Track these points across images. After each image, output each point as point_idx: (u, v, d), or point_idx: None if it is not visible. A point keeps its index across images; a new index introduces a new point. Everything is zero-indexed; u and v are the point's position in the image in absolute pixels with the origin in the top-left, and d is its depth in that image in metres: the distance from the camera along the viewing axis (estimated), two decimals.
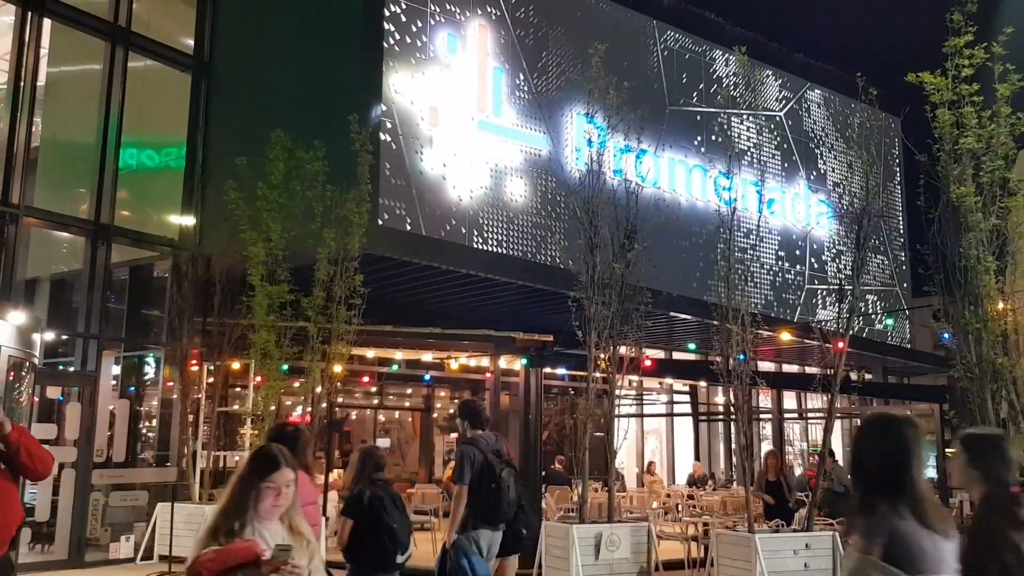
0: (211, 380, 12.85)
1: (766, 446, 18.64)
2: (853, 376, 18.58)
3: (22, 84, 12.04)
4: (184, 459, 12.58)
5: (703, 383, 17.01)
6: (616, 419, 10.06)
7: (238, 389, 14.65)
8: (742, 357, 9.60)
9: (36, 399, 11.02)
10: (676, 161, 17.47)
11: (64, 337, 13.23)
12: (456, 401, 19.97)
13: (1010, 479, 3.37)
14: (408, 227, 13.14)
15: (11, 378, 9.48)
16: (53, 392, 12.44)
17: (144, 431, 14.62)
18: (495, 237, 14.33)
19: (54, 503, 11.34)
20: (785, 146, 20.32)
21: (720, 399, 20.61)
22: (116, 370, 13.48)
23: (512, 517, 6.49)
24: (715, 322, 10.14)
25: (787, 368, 21.28)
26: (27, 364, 10.07)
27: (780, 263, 19.46)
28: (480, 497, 6.39)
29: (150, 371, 14.71)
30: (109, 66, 13.20)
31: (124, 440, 12.61)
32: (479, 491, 6.39)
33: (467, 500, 6.34)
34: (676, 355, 19.83)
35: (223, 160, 12.99)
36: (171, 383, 13.34)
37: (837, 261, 20.56)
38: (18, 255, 11.78)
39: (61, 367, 13.12)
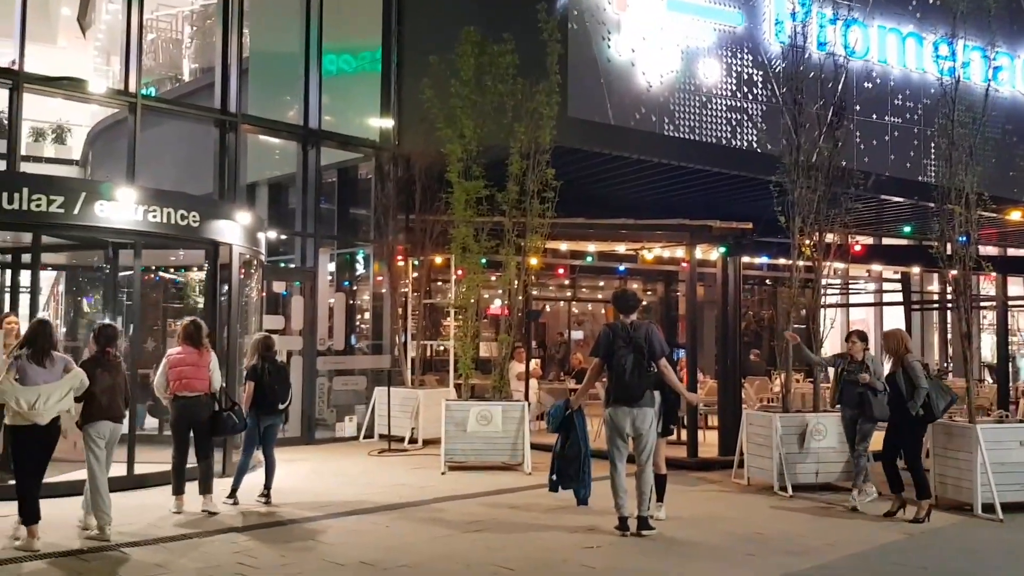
0: (416, 274, 13.52)
1: (987, 336, 17.41)
2: None
3: None
4: (396, 348, 13.45)
5: (916, 270, 15.93)
6: (823, 308, 9.69)
7: (439, 283, 15.33)
8: (963, 239, 8.87)
9: (264, 294, 12.04)
10: (888, 29, 16.00)
11: (283, 237, 14.29)
12: (649, 292, 19.93)
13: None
14: (597, 117, 12.95)
15: (242, 274, 10.40)
16: (278, 287, 13.55)
17: (358, 322, 15.70)
18: (687, 123, 13.86)
19: None
20: (1015, 4, 18.04)
21: (935, 287, 19.31)
22: (331, 267, 14.46)
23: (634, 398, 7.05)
24: (931, 204, 9.39)
25: (1012, 252, 19.54)
26: (255, 261, 11.00)
27: (1008, 138, 17.61)
28: (609, 377, 7.16)
29: (360, 267, 15.68)
30: None
31: (342, 330, 13.65)
32: (609, 372, 7.15)
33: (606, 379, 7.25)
34: (885, 240, 18.68)
35: (417, 60, 13.24)
36: (380, 277, 14.17)
37: None
38: (239, 161, 12.71)
39: (282, 264, 14.24)
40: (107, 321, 8.21)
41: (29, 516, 6.49)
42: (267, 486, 8.31)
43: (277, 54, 15.19)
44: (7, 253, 11.04)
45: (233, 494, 8.20)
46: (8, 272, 11.40)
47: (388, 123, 14.04)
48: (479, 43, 11.52)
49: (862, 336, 8.82)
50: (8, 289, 11.37)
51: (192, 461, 8.01)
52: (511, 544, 6.85)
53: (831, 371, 9.38)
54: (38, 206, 8.31)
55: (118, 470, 8.67)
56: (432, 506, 8.35)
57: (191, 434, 7.99)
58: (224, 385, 8.43)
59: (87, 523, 7.03)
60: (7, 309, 10.20)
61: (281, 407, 8.44)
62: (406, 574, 6.00)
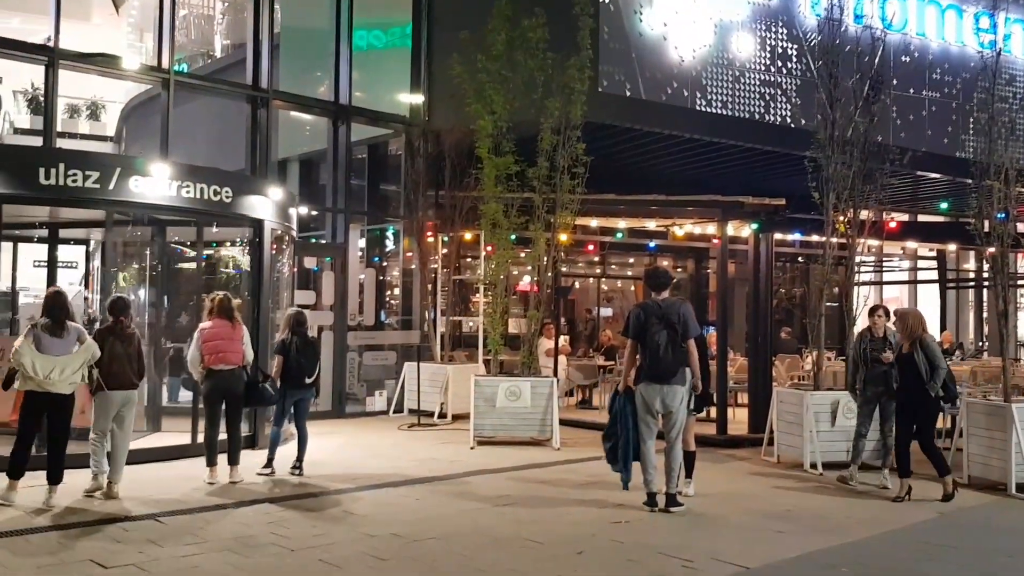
0: (445, 250, 13.55)
1: None
2: None
3: None
4: (425, 323, 13.52)
5: (952, 247, 15.69)
6: (856, 286, 9.58)
7: (469, 259, 15.35)
8: (1002, 216, 8.73)
9: (295, 269, 12.12)
10: (926, 1, 15.67)
11: (314, 212, 14.37)
12: (680, 269, 19.82)
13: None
14: (628, 92, 12.85)
15: (274, 250, 10.48)
16: (309, 263, 13.64)
17: (388, 298, 15.78)
18: (720, 98, 13.71)
19: None
20: None
21: (971, 265, 19.00)
22: (361, 242, 14.52)
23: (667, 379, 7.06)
24: (968, 180, 9.24)
25: None
26: (287, 237, 11.08)
27: None
28: (643, 355, 7.17)
29: (390, 243, 15.74)
30: None
31: (372, 305, 13.74)
32: (642, 350, 7.15)
33: (639, 356, 7.23)
34: (921, 217, 18.41)
35: (448, 35, 13.18)
36: (410, 253, 14.21)
37: None
38: (271, 137, 12.76)
39: (313, 240, 14.32)
40: (120, 294, 8.33)
41: (13, 471, 6.86)
42: (299, 458, 8.43)
43: (308, 30, 15.22)
44: (45, 228, 11.21)
45: (269, 464, 8.34)
46: (45, 247, 11.57)
47: (418, 99, 14.02)
48: (510, 18, 11.44)
49: (887, 312, 8.72)
50: (46, 264, 11.55)
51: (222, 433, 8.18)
52: (540, 518, 6.90)
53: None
54: (74, 181, 8.41)
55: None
56: (461, 480, 8.42)
57: (223, 407, 8.12)
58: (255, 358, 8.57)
59: (99, 483, 7.30)
60: (46, 283, 10.38)
61: (308, 381, 8.54)
62: (435, 546, 6.07)
